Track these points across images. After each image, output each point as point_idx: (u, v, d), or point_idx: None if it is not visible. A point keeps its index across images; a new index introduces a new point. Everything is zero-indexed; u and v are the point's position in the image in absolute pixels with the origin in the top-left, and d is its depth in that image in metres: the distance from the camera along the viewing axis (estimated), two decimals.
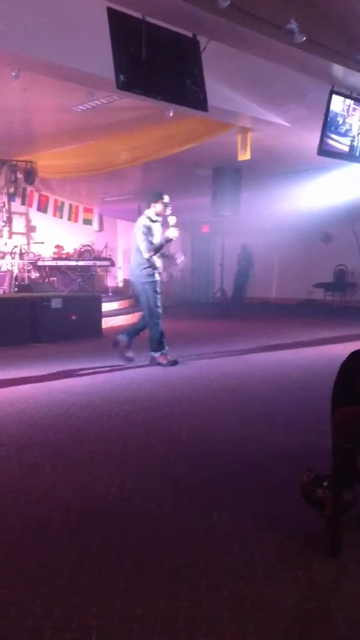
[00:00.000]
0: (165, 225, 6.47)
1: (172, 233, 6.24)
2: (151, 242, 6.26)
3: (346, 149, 7.04)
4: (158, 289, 6.40)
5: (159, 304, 6.39)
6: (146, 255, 6.30)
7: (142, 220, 6.35)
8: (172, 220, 6.32)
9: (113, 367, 6.36)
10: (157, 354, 6.42)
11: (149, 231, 6.28)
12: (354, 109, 6.90)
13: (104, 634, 1.80)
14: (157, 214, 6.39)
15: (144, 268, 6.34)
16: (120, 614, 1.90)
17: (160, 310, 6.41)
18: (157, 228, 6.39)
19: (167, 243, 6.32)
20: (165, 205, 6.34)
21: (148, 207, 6.44)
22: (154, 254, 6.32)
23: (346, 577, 2.17)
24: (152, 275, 6.36)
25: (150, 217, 6.38)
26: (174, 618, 1.88)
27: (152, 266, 6.35)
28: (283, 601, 1.99)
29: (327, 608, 1.96)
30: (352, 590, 2.07)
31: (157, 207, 6.36)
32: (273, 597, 2.01)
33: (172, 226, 6.28)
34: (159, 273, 6.46)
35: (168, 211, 6.34)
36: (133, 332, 6.62)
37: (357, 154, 7.20)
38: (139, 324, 6.73)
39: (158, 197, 6.37)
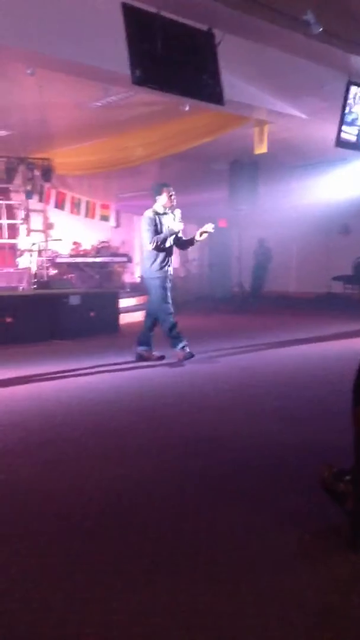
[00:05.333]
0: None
1: (176, 226, 6.19)
2: (156, 234, 6.15)
3: (354, 138, 6.95)
4: (167, 284, 6.28)
5: (167, 299, 6.28)
6: (149, 247, 6.22)
7: (146, 214, 6.29)
8: (177, 213, 6.28)
9: (130, 364, 6.37)
10: (176, 349, 6.32)
11: (152, 223, 6.17)
12: (359, 97, 6.80)
13: (125, 628, 1.81)
14: (164, 206, 6.28)
15: (152, 263, 6.27)
16: (141, 609, 1.91)
17: (169, 306, 6.29)
18: (167, 220, 6.28)
19: (171, 235, 6.20)
20: (170, 196, 6.26)
21: (154, 200, 6.36)
22: (160, 247, 6.18)
23: None
24: (159, 270, 6.25)
25: (156, 210, 6.29)
26: (194, 613, 1.88)
27: (160, 260, 6.24)
28: (305, 595, 1.98)
29: (349, 602, 1.95)
30: None
31: (162, 199, 6.27)
32: (295, 591, 2.00)
33: (176, 219, 6.23)
34: (168, 267, 6.32)
35: (173, 202, 6.26)
36: (146, 337, 6.49)
37: None
38: (145, 325, 6.55)
39: (161, 189, 6.28)
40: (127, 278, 14.73)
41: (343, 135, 6.87)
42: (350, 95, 6.68)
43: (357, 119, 6.92)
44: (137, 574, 2.12)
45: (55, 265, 12.18)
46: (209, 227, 6.24)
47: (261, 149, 8.56)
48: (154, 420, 4.18)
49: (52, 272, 11.96)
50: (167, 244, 6.24)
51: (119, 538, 2.41)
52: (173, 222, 6.22)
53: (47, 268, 11.74)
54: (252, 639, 1.76)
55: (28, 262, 11.59)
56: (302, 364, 6.37)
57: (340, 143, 6.91)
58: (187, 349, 6.28)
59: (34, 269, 11.47)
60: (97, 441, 3.72)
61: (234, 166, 10.71)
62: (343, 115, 6.72)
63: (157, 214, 6.26)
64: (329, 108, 7.28)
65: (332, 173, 10.78)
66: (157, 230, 6.17)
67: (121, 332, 9.13)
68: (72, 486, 2.97)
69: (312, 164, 10.87)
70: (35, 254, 11.79)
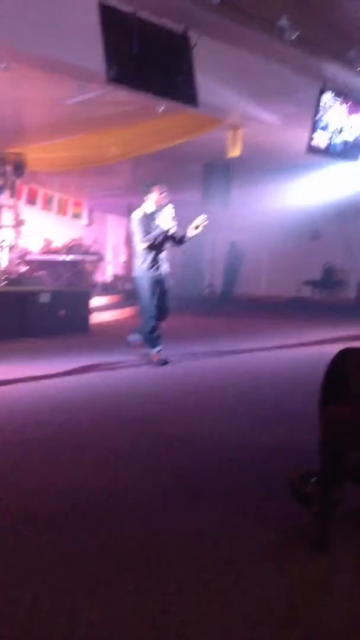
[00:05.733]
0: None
1: (167, 224, 6.03)
2: (146, 233, 6.07)
3: (324, 145, 7.04)
4: (155, 286, 6.16)
5: (152, 300, 6.18)
6: (140, 246, 6.15)
7: (135, 213, 6.20)
8: (168, 210, 6.11)
9: (103, 363, 6.34)
10: (151, 351, 6.30)
11: (142, 223, 6.09)
12: (331, 104, 6.89)
13: (92, 628, 1.82)
14: (155, 204, 6.17)
15: (142, 262, 6.19)
16: (108, 609, 1.91)
17: (152, 308, 6.20)
18: (159, 219, 6.12)
19: (162, 234, 6.08)
20: (161, 193, 6.16)
21: (144, 199, 6.25)
22: (150, 246, 6.08)
23: (335, 571, 2.19)
24: (148, 270, 6.16)
25: (145, 209, 6.19)
26: (162, 613, 1.89)
27: (150, 260, 6.15)
28: (272, 596, 2.00)
29: (316, 602, 1.99)
30: (340, 584, 2.10)
31: (153, 197, 6.18)
32: (262, 591, 2.03)
33: (166, 217, 6.08)
34: (159, 267, 6.19)
35: (165, 199, 6.15)
36: (158, 337, 6.35)
37: (333, 150, 7.20)
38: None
39: (151, 188, 6.19)
40: (98, 277, 14.66)
41: (314, 141, 6.95)
42: (322, 102, 6.77)
43: (328, 125, 7.01)
44: (103, 574, 2.12)
45: (26, 262, 12.04)
46: (201, 219, 6.13)
47: (234, 152, 8.62)
48: (126, 421, 4.17)
49: (23, 269, 11.81)
50: (157, 242, 6.12)
51: (88, 537, 2.40)
52: (164, 221, 6.08)
53: (17, 265, 11.58)
54: (219, 636, 1.78)
55: None
56: (273, 367, 6.44)
57: (311, 149, 7.00)
58: (163, 355, 6.27)
59: (3, 266, 11.31)
60: (67, 440, 3.70)
61: (208, 168, 10.75)
62: (315, 121, 6.80)
63: (146, 213, 6.16)
64: (301, 114, 7.37)
65: (304, 178, 10.92)
66: (147, 230, 6.08)
67: (92, 331, 9.08)
68: (43, 485, 2.95)
69: (284, 169, 10.99)
70: (6, 250, 11.63)
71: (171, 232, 6.13)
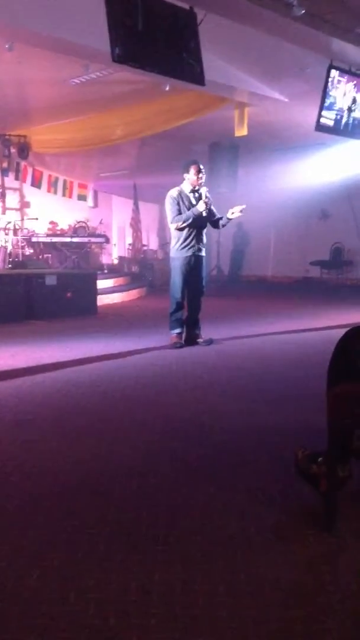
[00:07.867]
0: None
1: (201, 205, 5.93)
2: (178, 213, 5.97)
3: (332, 122, 6.93)
4: (186, 267, 6.06)
5: (180, 282, 6.09)
6: (172, 226, 6.09)
7: (170, 193, 6.08)
8: (203, 191, 6.02)
9: (108, 345, 6.35)
10: (170, 333, 6.28)
11: (175, 202, 5.98)
12: (339, 81, 6.75)
13: (101, 606, 1.83)
14: (192, 185, 6.05)
15: (175, 243, 6.10)
16: (117, 587, 1.93)
17: (179, 290, 6.12)
18: (194, 199, 6.02)
19: (195, 216, 5.94)
20: (198, 173, 6.00)
21: (183, 178, 6.13)
22: (182, 227, 5.98)
23: (341, 551, 2.20)
24: (180, 250, 6.06)
25: (182, 189, 6.06)
26: (169, 591, 1.91)
27: (182, 241, 6.04)
28: (278, 575, 2.01)
29: (322, 581, 1.99)
30: (347, 563, 2.11)
31: (190, 177, 6.03)
32: (269, 570, 2.03)
33: (201, 199, 5.96)
34: (192, 249, 6.07)
35: (202, 180, 6.03)
36: (178, 319, 6.30)
37: (342, 127, 7.10)
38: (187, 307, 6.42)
39: (189, 166, 6.05)
40: (104, 259, 14.64)
41: (323, 119, 6.85)
42: (331, 79, 6.66)
43: (335, 102, 6.90)
44: (113, 553, 2.14)
45: (31, 244, 12.03)
46: (239, 208, 6.08)
47: (241, 131, 8.54)
48: (132, 402, 4.18)
49: (28, 251, 11.81)
50: (191, 224, 6.00)
51: (96, 518, 2.41)
52: (200, 202, 5.97)
53: (23, 247, 11.58)
54: (225, 615, 1.80)
55: (3, 241, 11.42)
56: (279, 348, 6.42)
57: (320, 127, 6.90)
58: (180, 339, 6.26)
59: (9, 248, 11.31)
60: (74, 422, 3.71)
61: (214, 148, 10.65)
62: (324, 98, 6.70)
63: (181, 192, 6.05)
64: (310, 91, 7.27)
65: (311, 157, 10.81)
66: (179, 210, 5.99)
67: (99, 313, 9.09)
68: (49, 466, 2.96)
69: (292, 148, 10.87)
70: (11, 232, 11.62)
71: (205, 214, 6.02)
